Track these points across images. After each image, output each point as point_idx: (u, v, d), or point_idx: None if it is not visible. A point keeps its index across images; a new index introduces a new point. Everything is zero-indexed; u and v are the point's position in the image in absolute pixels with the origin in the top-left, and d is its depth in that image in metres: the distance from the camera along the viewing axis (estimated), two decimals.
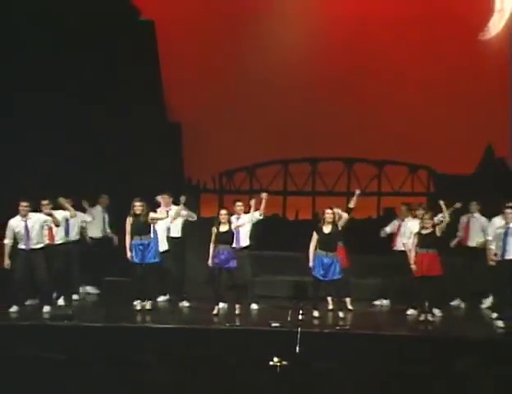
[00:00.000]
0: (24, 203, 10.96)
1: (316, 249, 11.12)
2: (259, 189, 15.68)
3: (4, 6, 14.09)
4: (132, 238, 11.12)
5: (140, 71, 15.45)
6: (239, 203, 11.91)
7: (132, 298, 11.55)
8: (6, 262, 10.92)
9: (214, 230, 10.99)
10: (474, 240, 11.96)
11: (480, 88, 15.13)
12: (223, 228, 10.97)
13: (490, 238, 11.07)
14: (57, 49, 14.44)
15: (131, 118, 14.90)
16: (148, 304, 11.17)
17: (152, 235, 11.33)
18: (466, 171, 15.62)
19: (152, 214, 11.25)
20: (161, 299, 12.14)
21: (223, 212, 11.03)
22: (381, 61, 15.59)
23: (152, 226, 11.32)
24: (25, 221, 10.87)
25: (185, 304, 12.00)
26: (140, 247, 11.17)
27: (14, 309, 10.94)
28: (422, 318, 10.83)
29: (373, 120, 15.55)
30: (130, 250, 11.07)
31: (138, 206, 11.05)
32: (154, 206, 11.85)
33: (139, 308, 11.16)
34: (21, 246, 10.89)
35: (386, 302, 12.13)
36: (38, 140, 13.93)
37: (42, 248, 10.97)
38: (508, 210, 10.78)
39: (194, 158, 16.24)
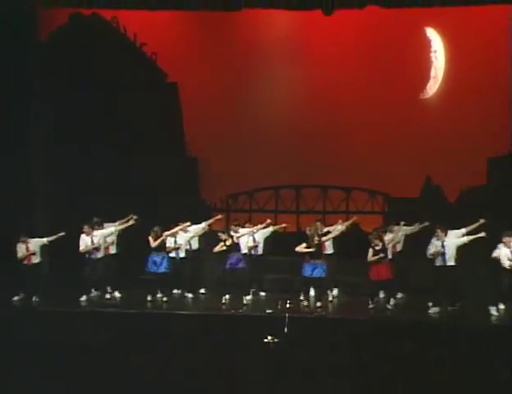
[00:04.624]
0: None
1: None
2: (257, 208, 17.84)
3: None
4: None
5: (166, 122, 17.48)
6: (235, 223, 14.37)
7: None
8: None
9: (224, 246, 13.13)
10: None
11: (420, 133, 17.05)
12: (228, 243, 13.26)
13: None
14: (98, 109, 16.40)
15: (160, 157, 16.93)
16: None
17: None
18: (413, 195, 17.20)
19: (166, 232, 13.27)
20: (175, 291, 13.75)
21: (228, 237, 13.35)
22: (349, 113, 17.23)
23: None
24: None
25: (203, 292, 13.56)
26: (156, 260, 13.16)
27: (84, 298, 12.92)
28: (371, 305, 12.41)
29: (343, 156, 17.17)
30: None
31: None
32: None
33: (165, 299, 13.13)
34: None
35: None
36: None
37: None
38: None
39: (207, 184, 17.89)
